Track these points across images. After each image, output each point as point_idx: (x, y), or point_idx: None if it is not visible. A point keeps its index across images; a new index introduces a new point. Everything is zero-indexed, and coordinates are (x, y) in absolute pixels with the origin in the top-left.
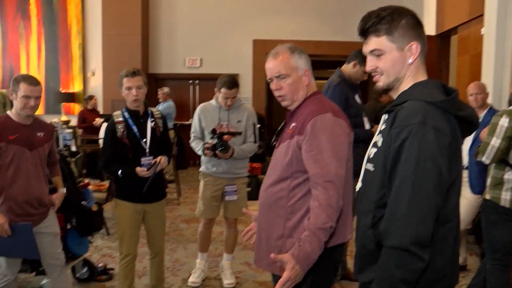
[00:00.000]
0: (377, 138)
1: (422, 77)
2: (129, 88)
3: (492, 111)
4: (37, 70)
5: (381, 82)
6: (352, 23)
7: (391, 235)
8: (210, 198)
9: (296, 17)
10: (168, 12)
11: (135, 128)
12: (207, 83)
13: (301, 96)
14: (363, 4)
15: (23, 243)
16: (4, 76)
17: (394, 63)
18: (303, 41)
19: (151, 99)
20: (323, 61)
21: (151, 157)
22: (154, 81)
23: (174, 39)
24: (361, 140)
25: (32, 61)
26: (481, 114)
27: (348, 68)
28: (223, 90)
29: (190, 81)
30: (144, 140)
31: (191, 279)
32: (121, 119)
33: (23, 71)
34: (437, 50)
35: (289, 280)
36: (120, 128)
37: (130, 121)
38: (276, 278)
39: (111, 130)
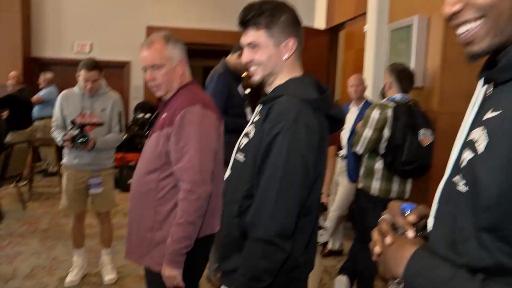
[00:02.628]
0: (249, 129)
1: (298, 72)
2: None
3: (368, 104)
4: None
5: (257, 75)
6: None
7: (257, 226)
8: (74, 192)
9: (192, 5)
10: None
11: None
12: None
13: (175, 86)
14: None
15: None
16: None
17: (270, 58)
18: (198, 29)
19: (34, 85)
20: (218, 50)
21: None
22: (38, 66)
23: (61, 21)
24: (241, 130)
25: None
26: (359, 106)
27: (232, 58)
28: (82, 72)
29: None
30: None
31: (68, 278)
32: None
33: None
34: (326, 44)
35: (169, 279)
36: None
37: None
38: (147, 271)
39: None
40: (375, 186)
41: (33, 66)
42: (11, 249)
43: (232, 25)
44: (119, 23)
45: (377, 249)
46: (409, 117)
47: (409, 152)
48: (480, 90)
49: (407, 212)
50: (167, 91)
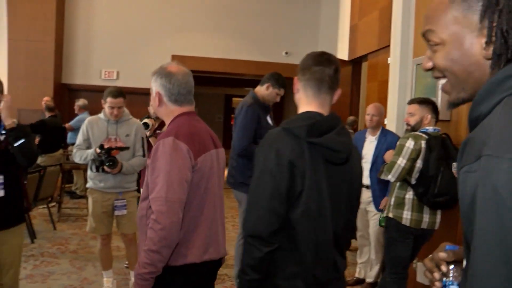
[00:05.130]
0: None
1: (305, 108)
2: None
3: (386, 132)
4: None
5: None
6: (268, 44)
7: (243, 229)
8: (100, 214)
9: (215, 35)
10: (85, 20)
11: None
12: None
13: (165, 118)
14: (279, 26)
15: None
16: None
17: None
18: (221, 59)
19: (64, 111)
20: (240, 79)
21: (1, 176)
22: (68, 92)
23: (90, 49)
24: None
25: None
26: (375, 135)
27: (261, 90)
28: (108, 99)
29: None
30: None
31: None
32: None
33: None
34: (349, 75)
35: None
36: None
37: None
38: None
39: None
40: (406, 216)
41: (64, 92)
42: (43, 268)
43: (253, 55)
44: (145, 52)
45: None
46: (442, 150)
47: (442, 184)
48: None
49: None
50: (164, 121)
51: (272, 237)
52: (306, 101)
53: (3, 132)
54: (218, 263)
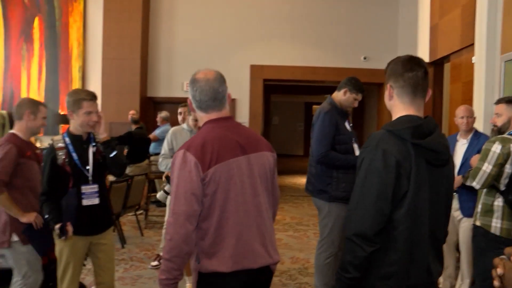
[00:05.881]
0: None
1: (402, 113)
2: (89, 113)
3: (479, 134)
4: (37, 92)
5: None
6: (346, 49)
7: (345, 228)
8: None
9: (293, 43)
10: (167, 36)
11: (75, 156)
12: None
13: (200, 124)
14: (357, 31)
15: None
16: (5, 98)
17: (385, 99)
18: (300, 66)
19: (149, 123)
20: (319, 86)
21: (95, 185)
22: (152, 105)
23: (172, 63)
24: (351, 166)
25: (33, 83)
26: (467, 138)
27: (339, 95)
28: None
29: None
30: (87, 167)
31: None
32: (61, 145)
33: (23, 93)
34: (431, 77)
35: None
36: (61, 154)
37: (70, 147)
38: None
39: (51, 157)
40: (496, 225)
41: (149, 104)
42: (133, 271)
43: (332, 62)
44: (224, 63)
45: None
46: None
47: None
48: None
49: None
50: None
51: (376, 237)
52: (403, 107)
53: (94, 144)
54: (263, 271)
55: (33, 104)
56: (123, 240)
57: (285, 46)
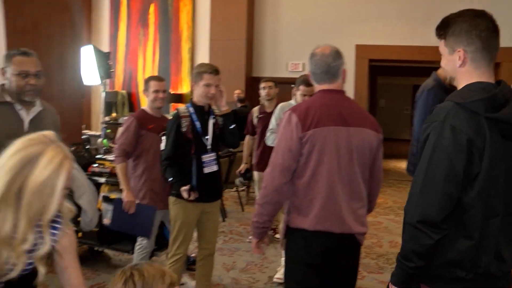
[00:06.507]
0: None
1: (473, 80)
2: (208, 85)
3: None
4: (151, 73)
5: (448, 80)
6: None
7: (406, 213)
8: None
9: (400, 22)
10: (272, 17)
11: (198, 124)
12: None
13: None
14: (468, 6)
15: (141, 222)
16: (125, 79)
17: (447, 65)
18: (407, 46)
19: (254, 102)
20: (428, 67)
21: (213, 154)
22: (257, 85)
23: (277, 44)
24: None
25: (147, 65)
26: None
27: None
28: (301, 87)
29: (292, 85)
30: (207, 137)
31: (276, 276)
32: (186, 113)
33: (140, 74)
34: None
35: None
36: (185, 122)
37: (194, 116)
38: None
39: (176, 124)
40: None
41: (254, 85)
42: (231, 244)
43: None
44: (329, 42)
45: None
46: None
47: None
48: None
49: None
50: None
51: (443, 223)
52: (476, 74)
53: (213, 116)
54: (346, 239)
55: (145, 81)
56: (224, 214)
57: (392, 25)
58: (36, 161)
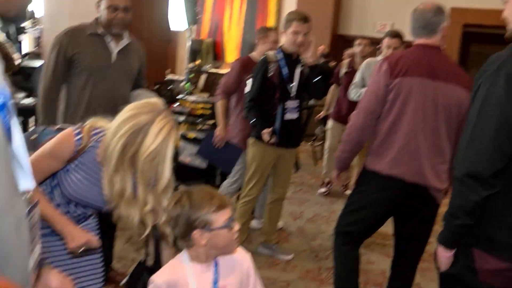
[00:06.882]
0: None
1: None
2: (296, 33)
3: None
4: (236, 24)
5: (508, 30)
6: None
7: (454, 167)
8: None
9: None
10: None
11: (285, 70)
12: None
13: None
14: None
15: (226, 158)
16: (211, 29)
17: (510, 13)
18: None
19: (338, 60)
20: None
21: (297, 101)
22: (342, 42)
23: (366, 2)
24: None
25: (234, 16)
26: None
27: None
28: (386, 39)
29: (378, 46)
30: (292, 84)
31: None
32: (274, 59)
33: (226, 25)
34: None
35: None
36: (272, 67)
37: (282, 62)
38: None
39: (263, 69)
40: None
41: (339, 42)
42: (301, 195)
43: None
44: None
45: None
46: None
47: None
48: None
49: None
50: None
51: (494, 179)
52: None
53: (301, 65)
54: (419, 191)
55: (262, 31)
56: (297, 165)
57: None
58: (147, 130)
